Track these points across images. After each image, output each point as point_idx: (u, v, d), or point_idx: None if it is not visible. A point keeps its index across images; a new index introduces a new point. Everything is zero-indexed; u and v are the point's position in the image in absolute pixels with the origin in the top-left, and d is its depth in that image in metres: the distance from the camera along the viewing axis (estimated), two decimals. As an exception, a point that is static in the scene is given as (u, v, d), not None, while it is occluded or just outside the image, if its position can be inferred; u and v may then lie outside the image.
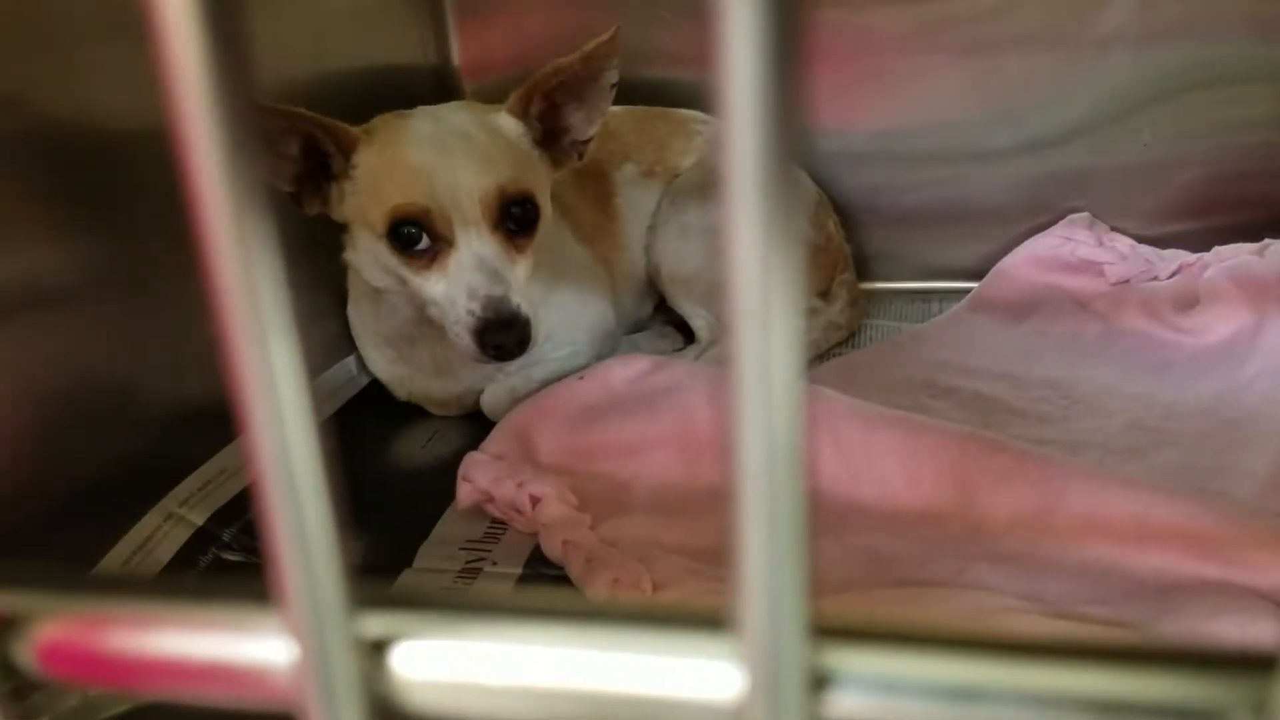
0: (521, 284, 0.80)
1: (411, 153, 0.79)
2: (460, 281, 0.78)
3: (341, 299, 0.98)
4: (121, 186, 0.75)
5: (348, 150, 0.80)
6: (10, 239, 0.67)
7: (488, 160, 0.79)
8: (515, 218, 0.81)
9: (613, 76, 0.83)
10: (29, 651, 0.18)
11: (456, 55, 1.27)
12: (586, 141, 0.87)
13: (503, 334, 0.78)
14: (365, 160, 0.80)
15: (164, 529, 0.76)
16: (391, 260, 0.81)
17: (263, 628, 0.17)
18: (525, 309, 0.79)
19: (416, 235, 0.79)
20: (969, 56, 1.13)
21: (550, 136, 0.86)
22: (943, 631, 0.15)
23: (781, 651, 0.15)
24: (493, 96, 1.25)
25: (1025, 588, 0.67)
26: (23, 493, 0.68)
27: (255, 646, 0.17)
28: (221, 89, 0.14)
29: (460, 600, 0.17)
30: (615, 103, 1.11)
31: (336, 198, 0.82)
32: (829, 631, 0.15)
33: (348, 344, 1.00)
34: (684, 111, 1.12)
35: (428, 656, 0.17)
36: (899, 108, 1.17)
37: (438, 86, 1.26)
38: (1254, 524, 0.68)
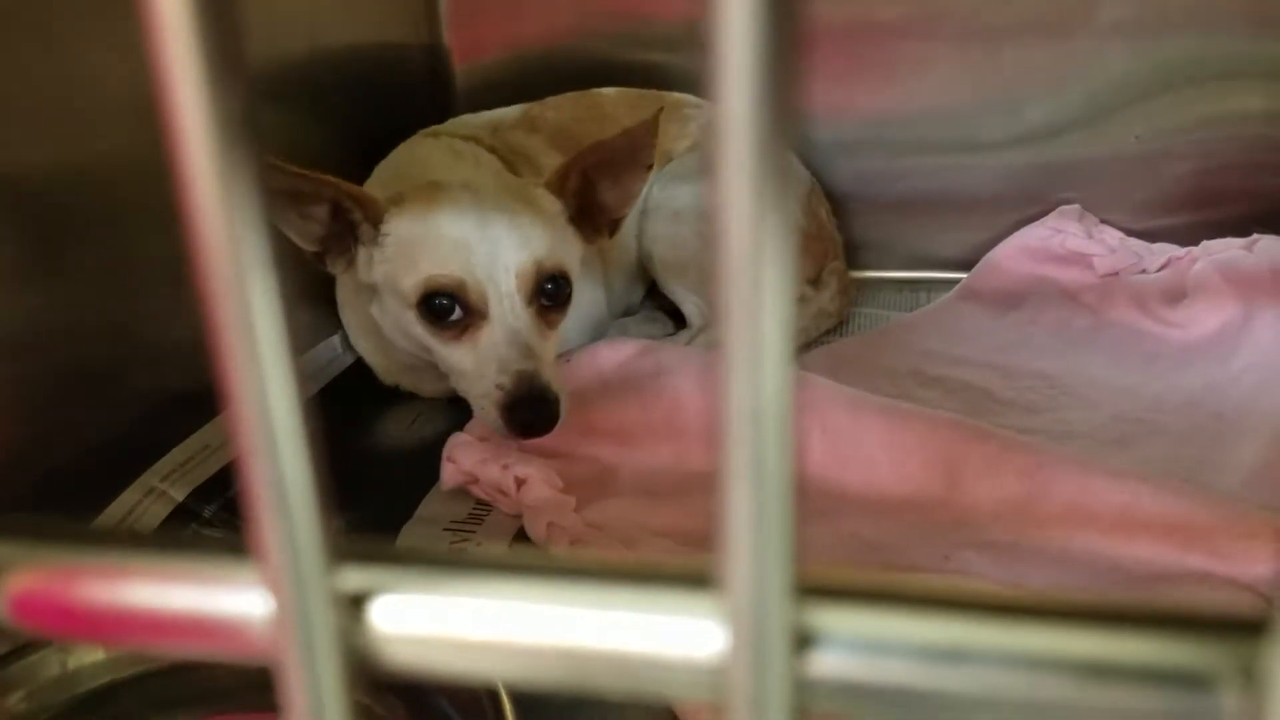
0: (551, 361, 0.79)
1: (448, 223, 0.77)
2: (490, 355, 0.76)
3: (324, 276, 0.97)
4: (109, 167, 0.75)
5: (375, 218, 0.78)
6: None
7: (526, 235, 0.78)
8: (549, 293, 0.79)
9: (649, 157, 0.82)
10: (1, 602, 0.17)
11: (447, 35, 1.27)
12: (618, 221, 0.86)
13: (532, 411, 0.75)
14: (398, 228, 0.78)
15: (144, 504, 0.76)
16: (418, 329, 0.79)
17: (240, 580, 0.17)
18: (555, 386, 0.76)
19: (449, 307, 0.77)
20: (965, 46, 1.13)
21: (581, 213, 0.84)
22: (928, 592, 0.15)
23: (765, 610, 0.15)
24: (484, 77, 1.25)
25: (1010, 576, 0.67)
26: (3, 467, 0.67)
27: (232, 599, 0.17)
28: (212, 62, 0.14)
29: (441, 555, 0.17)
30: (609, 84, 1.12)
31: (364, 262, 0.80)
32: (814, 591, 0.15)
33: (332, 322, 0.99)
34: (677, 95, 1.11)
35: (407, 611, 0.16)
36: (893, 96, 1.17)
37: (429, 66, 1.25)
38: (1239, 516, 0.68)
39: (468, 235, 0.77)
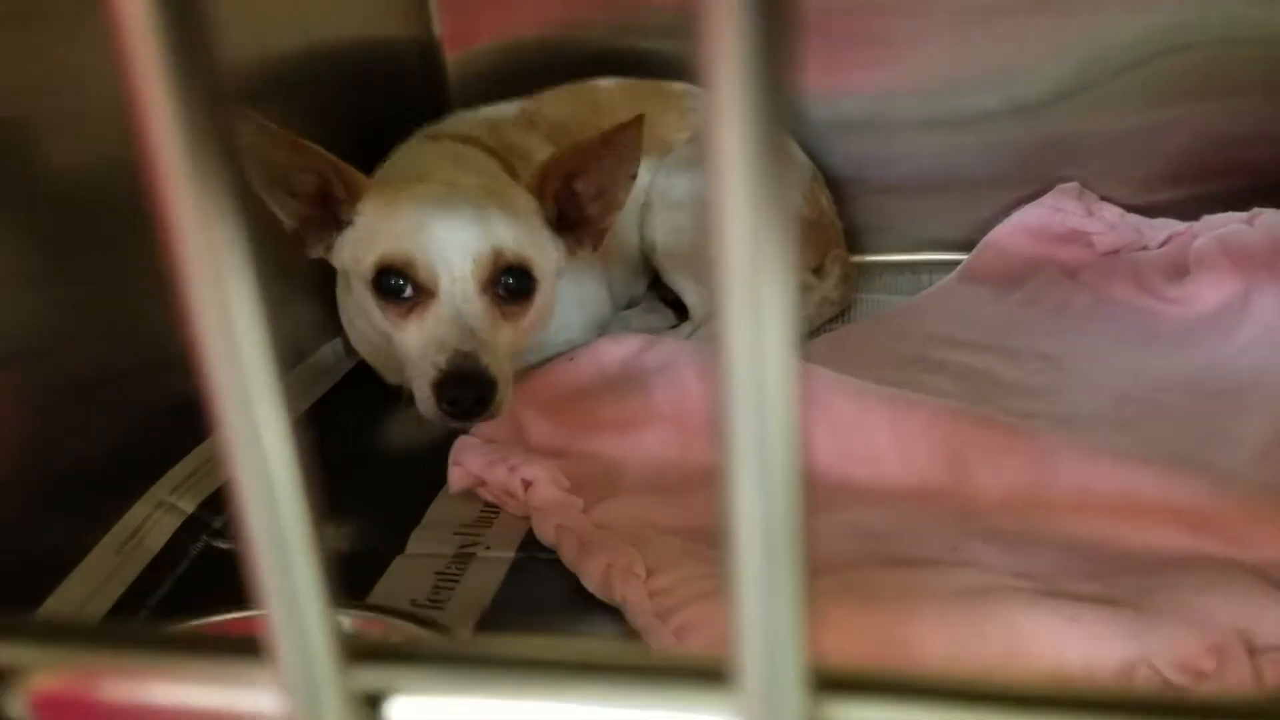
0: (500, 352, 0.78)
1: (413, 205, 0.78)
2: (434, 333, 0.76)
3: (326, 279, 0.97)
4: (114, 171, 0.74)
5: (355, 196, 0.79)
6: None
7: (490, 225, 0.78)
8: (508, 285, 0.79)
9: (633, 167, 0.81)
10: (23, 703, 0.18)
11: (439, 27, 1.26)
12: (602, 233, 0.85)
13: (460, 389, 0.74)
14: (369, 208, 0.79)
15: (154, 517, 0.76)
16: (375, 311, 0.79)
17: (255, 680, 0.17)
18: (495, 372, 0.76)
19: (400, 285, 0.77)
20: (958, 19, 1.12)
21: (566, 223, 0.83)
22: (941, 682, 0.15)
23: (780, 704, 0.15)
24: (476, 68, 1.25)
25: (1017, 564, 0.67)
26: (11, 484, 0.67)
27: (248, 699, 0.17)
28: (182, 71, 0.14)
29: (453, 651, 0.17)
30: (604, 73, 1.11)
31: (339, 246, 0.81)
32: (828, 682, 0.15)
33: (334, 326, 0.99)
34: (678, 85, 1.11)
35: (421, 709, 0.17)
36: (886, 76, 1.16)
37: (421, 59, 1.25)
38: (1245, 497, 0.68)
39: (429, 216, 0.77)
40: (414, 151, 0.96)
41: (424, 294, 0.77)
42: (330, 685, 0.16)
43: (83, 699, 0.17)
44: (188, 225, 0.15)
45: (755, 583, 0.15)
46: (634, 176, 0.82)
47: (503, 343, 0.79)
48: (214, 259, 0.15)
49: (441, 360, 0.75)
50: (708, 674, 0.16)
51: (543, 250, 0.82)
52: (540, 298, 0.82)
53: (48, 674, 0.18)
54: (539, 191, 0.82)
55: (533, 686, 0.16)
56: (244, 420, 0.15)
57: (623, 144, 0.79)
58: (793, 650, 0.15)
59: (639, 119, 0.79)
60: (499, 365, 0.77)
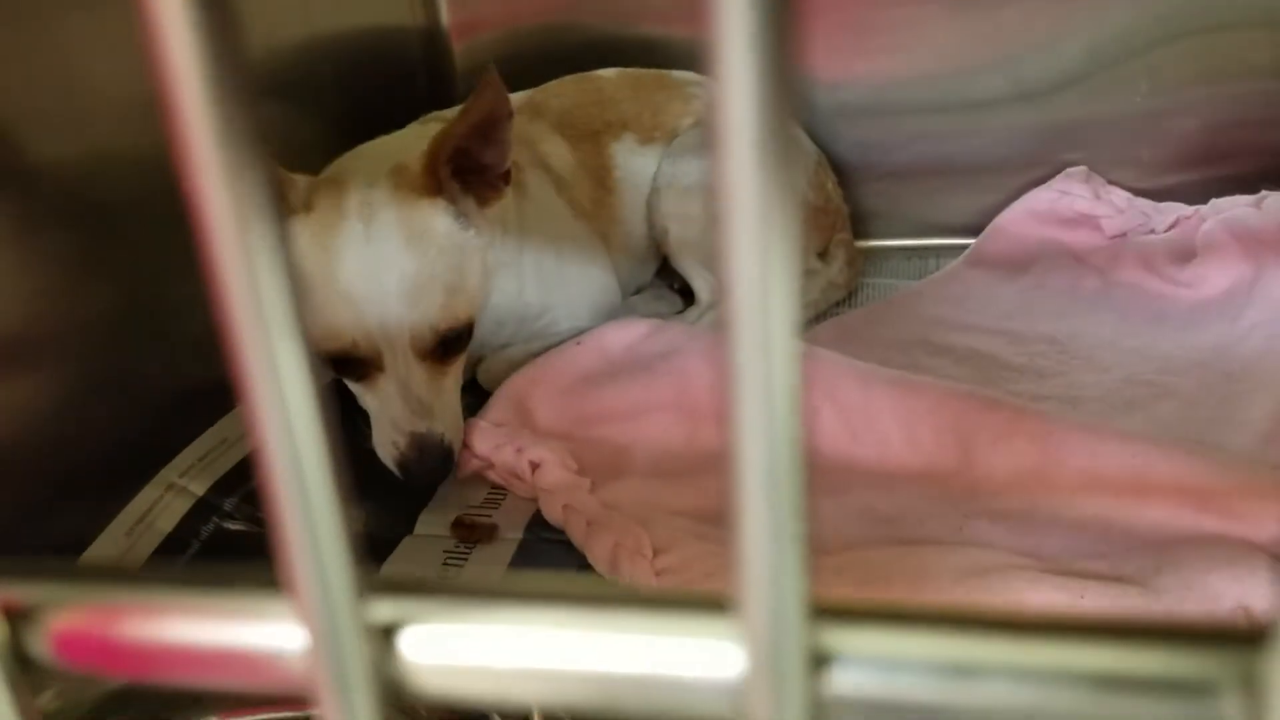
0: (448, 401, 0.79)
1: (341, 274, 0.75)
2: (385, 410, 0.78)
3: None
4: (119, 162, 0.75)
5: (291, 207, 0.76)
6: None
7: (419, 296, 0.76)
8: (446, 344, 0.78)
9: (507, 107, 0.78)
10: (44, 642, 0.18)
11: (445, 16, 1.26)
12: (506, 175, 0.83)
13: (420, 466, 0.77)
14: (302, 240, 0.75)
15: (164, 500, 0.77)
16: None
17: (275, 615, 0.17)
18: (449, 436, 0.78)
19: (345, 361, 0.77)
20: (962, 4, 1.12)
21: (468, 182, 0.81)
22: (940, 611, 0.16)
23: (782, 631, 0.16)
24: (483, 58, 1.25)
25: (1025, 544, 0.67)
26: (22, 467, 0.68)
27: (268, 633, 0.17)
28: (212, 54, 0.14)
29: (468, 585, 0.17)
30: (610, 64, 1.11)
31: None
32: (829, 612, 0.16)
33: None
34: (681, 74, 1.11)
35: (436, 640, 0.17)
36: (892, 61, 1.16)
37: (426, 49, 1.25)
38: (1252, 476, 0.68)
39: (360, 294, 0.75)
40: (409, 134, 0.95)
41: (371, 365, 0.77)
42: (349, 618, 0.17)
43: (104, 637, 0.18)
44: (217, 193, 0.15)
45: (758, 513, 0.15)
46: (511, 114, 0.79)
47: (448, 388, 0.80)
48: (243, 229, 0.15)
49: (400, 441, 0.77)
50: (712, 604, 0.16)
51: (470, 267, 0.80)
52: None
53: (69, 612, 0.18)
54: (437, 189, 0.78)
55: (540, 615, 0.17)
56: (265, 362, 0.16)
57: (484, 95, 0.77)
58: (794, 579, 0.15)
59: (489, 70, 0.76)
60: (450, 421, 0.79)
